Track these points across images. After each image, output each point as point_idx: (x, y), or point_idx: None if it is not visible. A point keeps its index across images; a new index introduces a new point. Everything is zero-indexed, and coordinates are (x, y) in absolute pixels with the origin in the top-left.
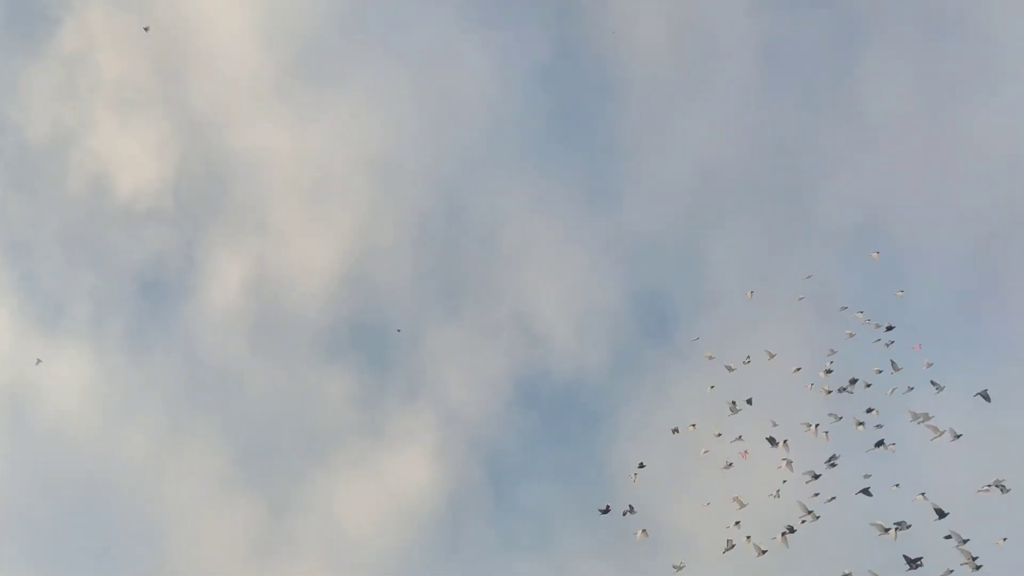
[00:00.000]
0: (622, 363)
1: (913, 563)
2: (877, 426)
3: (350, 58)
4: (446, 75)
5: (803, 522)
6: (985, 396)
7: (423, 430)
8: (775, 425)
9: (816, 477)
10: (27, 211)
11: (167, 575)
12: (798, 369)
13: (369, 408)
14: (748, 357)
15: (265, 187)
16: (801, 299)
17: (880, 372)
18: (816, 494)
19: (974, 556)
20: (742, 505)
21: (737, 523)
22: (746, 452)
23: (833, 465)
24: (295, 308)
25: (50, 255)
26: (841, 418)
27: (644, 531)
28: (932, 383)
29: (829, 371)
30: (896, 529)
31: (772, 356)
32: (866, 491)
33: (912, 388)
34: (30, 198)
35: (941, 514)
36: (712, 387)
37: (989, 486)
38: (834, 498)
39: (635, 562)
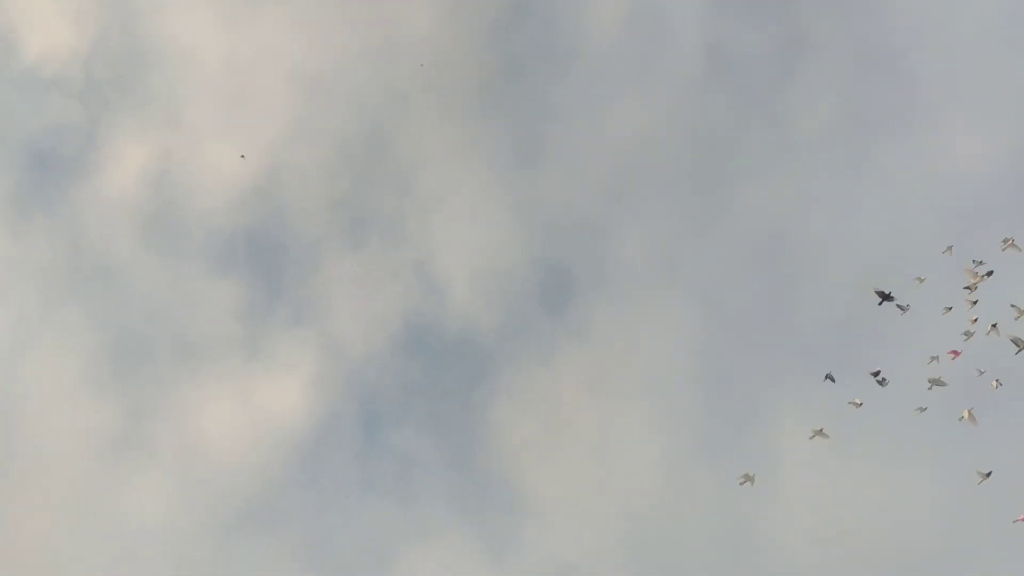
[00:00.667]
0: (513, 327)
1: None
2: None
3: None
4: (394, 6)
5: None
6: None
7: (303, 357)
8: None
9: None
10: None
11: (8, 459)
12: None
13: (252, 325)
14: None
15: (185, 82)
16: None
17: None
18: None
19: None
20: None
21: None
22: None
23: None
24: (194, 210)
25: None
26: None
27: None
28: None
29: None
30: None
31: None
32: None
33: None
34: None
35: None
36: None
37: None
38: None
39: (493, 519)
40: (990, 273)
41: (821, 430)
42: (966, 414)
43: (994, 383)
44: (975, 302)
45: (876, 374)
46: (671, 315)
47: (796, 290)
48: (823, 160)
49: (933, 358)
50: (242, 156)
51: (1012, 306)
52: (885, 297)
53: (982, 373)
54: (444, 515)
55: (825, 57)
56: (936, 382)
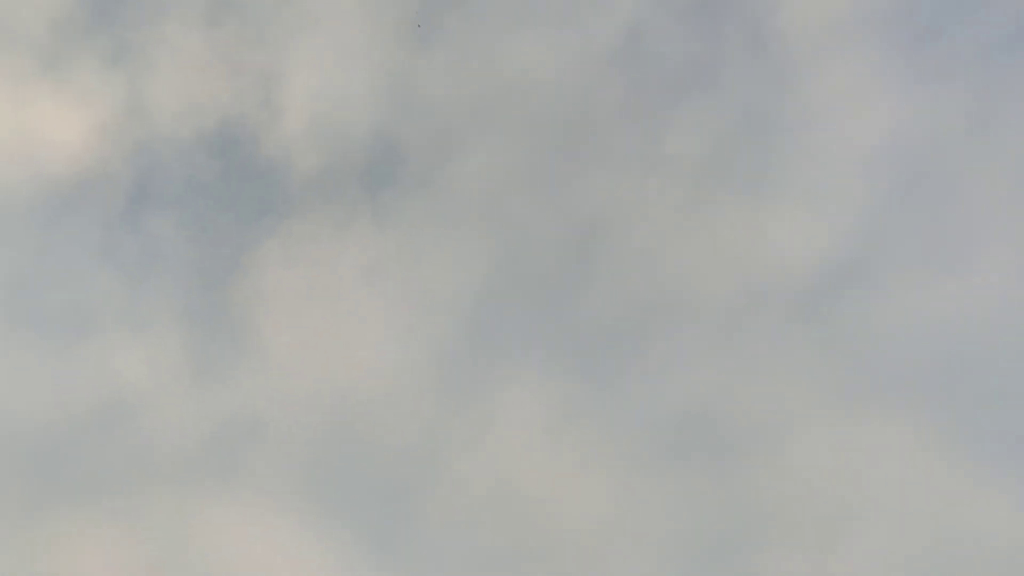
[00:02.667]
0: (326, 185)
1: None
2: None
3: None
4: None
5: None
6: None
7: (103, 98)
8: None
9: None
10: None
11: None
12: None
13: (63, 37)
14: None
15: None
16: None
17: None
18: None
19: None
20: None
21: None
22: None
23: None
24: None
25: None
26: None
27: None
28: None
29: None
30: None
31: None
32: None
33: None
34: None
35: None
36: None
37: None
38: None
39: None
40: None
41: None
42: None
43: None
44: None
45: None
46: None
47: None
48: (703, 179)
49: None
50: None
51: None
52: None
53: None
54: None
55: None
56: None
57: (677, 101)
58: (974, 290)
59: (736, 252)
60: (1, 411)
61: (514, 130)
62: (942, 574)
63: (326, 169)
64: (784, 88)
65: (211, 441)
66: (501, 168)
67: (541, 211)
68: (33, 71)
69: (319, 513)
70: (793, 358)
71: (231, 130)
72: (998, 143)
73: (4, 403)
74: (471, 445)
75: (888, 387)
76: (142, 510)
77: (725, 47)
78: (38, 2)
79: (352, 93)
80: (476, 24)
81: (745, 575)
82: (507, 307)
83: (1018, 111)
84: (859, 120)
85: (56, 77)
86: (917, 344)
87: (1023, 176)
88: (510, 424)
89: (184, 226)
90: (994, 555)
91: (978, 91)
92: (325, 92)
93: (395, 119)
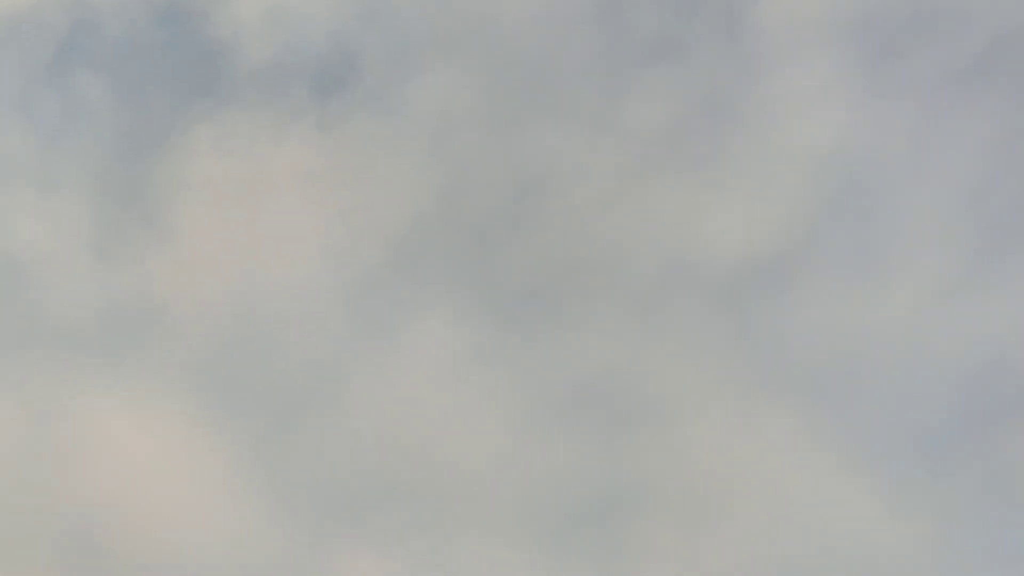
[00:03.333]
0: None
1: None
2: None
3: None
4: None
5: None
6: None
7: None
8: None
9: None
10: None
11: None
12: None
13: None
14: None
15: None
16: None
17: None
18: None
19: None
20: None
21: None
22: None
23: None
24: None
25: None
26: None
27: None
28: None
29: None
30: None
31: None
32: None
33: None
34: None
35: None
36: None
37: None
38: None
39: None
40: None
41: None
42: None
43: None
44: None
45: None
46: None
47: None
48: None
49: None
50: None
51: None
52: None
53: None
54: None
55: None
56: None
57: (642, 72)
58: (888, 304)
59: (670, 229)
60: None
61: (477, 67)
62: (804, 567)
63: (276, 63)
64: (748, 78)
65: (106, 319)
66: (457, 102)
67: (488, 153)
68: None
69: (208, 413)
70: (703, 342)
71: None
72: (935, 168)
73: None
74: (374, 371)
75: (788, 384)
76: (19, 377)
77: (699, 27)
78: None
79: None
80: None
81: (617, 540)
82: (437, 241)
83: (960, 142)
84: (812, 123)
85: None
86: (825, 348)
87: (952, 204)
88: (418, 357)
89: (113, 92)
90: (856, 557)
91: (926, 115)
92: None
93: (359, 28)
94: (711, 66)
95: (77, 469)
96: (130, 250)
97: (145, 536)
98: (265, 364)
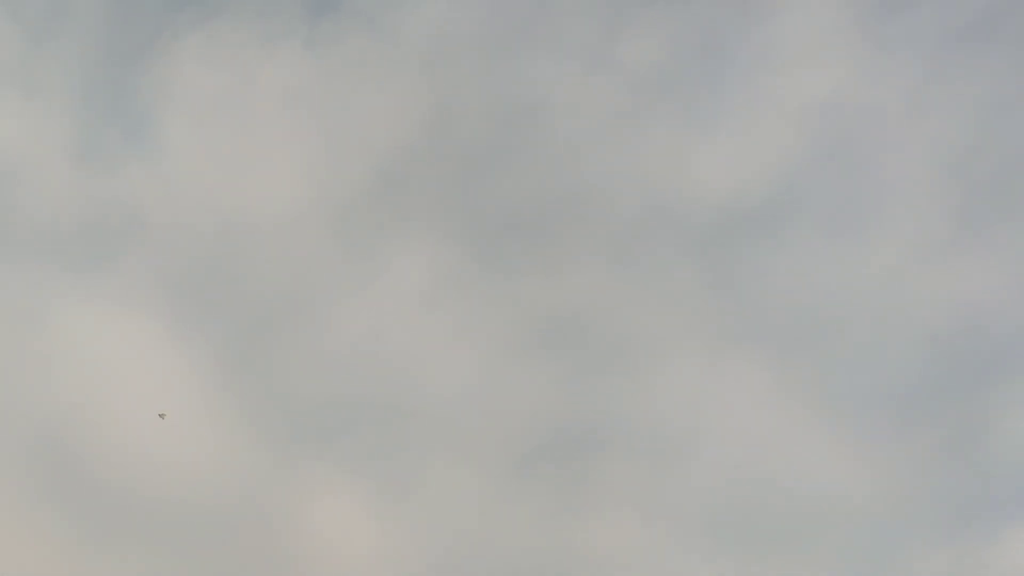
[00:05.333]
0: None
1: None
2: None
3: None
4: None
5: None
6: None
7: None
8: None
9: None
10: None
11: None
12: None
13: None
14: None
15: None
16: None
17: None
18: None
19: None
20: None
21: None
22: None
23: None
24: None
25: None
26: None
27: None
28: None
29: None
30: None
31: None
32: None
33: None
34: None
35: None
36: None
37: None
38: None
39: None
40: None
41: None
42: None
43: None
44: None
45: None
46: None
47: None
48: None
49: None
50: None
51: None
52: None
53: None
54: None
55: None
56: None
57: (640, 9)
58: (869, 262)
59: (656, 171)
60: None
61: None
62: (766, 513)
63: None
64: (748, 21)
65: (87, 225)
66: (450, 29)
67: (479, 82)
68: None
69: (184, 328)
70: (682, 287)
71: None
72: (928, 128)
73: None
74: (352, 294)
75: (763, 334)
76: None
77: None
78: None
79: None
80: None
81: (581, 475)
82: (422, 168)
83: (956, 102)
84: (809, 72)
85: None
86: (802, 301)
87: (942, 166)
88: (396, 283)
89: None
90: (809, 502)
91: (924, 73)
92: None
93: None
94: (710, 8)
95: (51, 377)
96: (112, 157)
97: (115, 446)
98: (243, 282)
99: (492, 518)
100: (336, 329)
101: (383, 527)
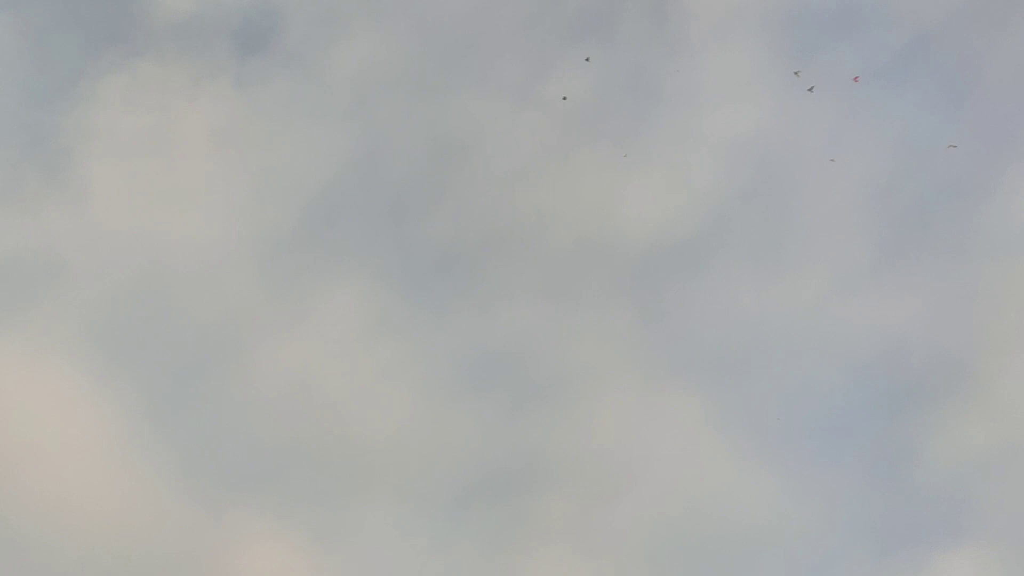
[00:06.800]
0: None
1: None
2: None
3: None
4: None
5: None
6: None
7: None
8: None
9: None
10: None
11: None
12: None
13: None
14: None
15: None
16: None
17: None
18: None
19: None
20: None
21: None
22: None
23: None
24: None
25: None
26: None
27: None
28: None
29: None
30: None
31: None
32: None
33: None
34: None
35: None
36: None
37: None
38: None
39: None
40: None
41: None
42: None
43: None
44: None
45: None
46: None
47: None
48: None
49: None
50: None
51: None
52: None
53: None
54: None
55: None
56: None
57: (570, 45)
58: (794, 294)
59: (587, 206)
60: None
61: (402, 33)
62: (700, 545)
63: (196, 16)
64: (674, 62)
65: (3, 270)
66: (379, 68)
67: (409, 121)
68: None
69: (106, 372)
70: (614, 321)
71: None
72: (852, 162)
73: None
74: (280, 335)
75: (694, 367)
76: None
77: (629, 6)
78: None
79: None
80: None
81: (518, 513)
82: (351, 207)
83: (873, 140)
84: (735, 109)
85: None
86: (731, 333)
87: (862, 200)
88: (326, 323)
89: (21, 33)
90: (743, 532)
91: (843, 112)
92: None
93: None
94: (638, 46)
95: None
96: (31, 200)
97: (36, 495)
98: (168, 325)
99: (431, 558)
100: (265, 371)
101: (319, 573)
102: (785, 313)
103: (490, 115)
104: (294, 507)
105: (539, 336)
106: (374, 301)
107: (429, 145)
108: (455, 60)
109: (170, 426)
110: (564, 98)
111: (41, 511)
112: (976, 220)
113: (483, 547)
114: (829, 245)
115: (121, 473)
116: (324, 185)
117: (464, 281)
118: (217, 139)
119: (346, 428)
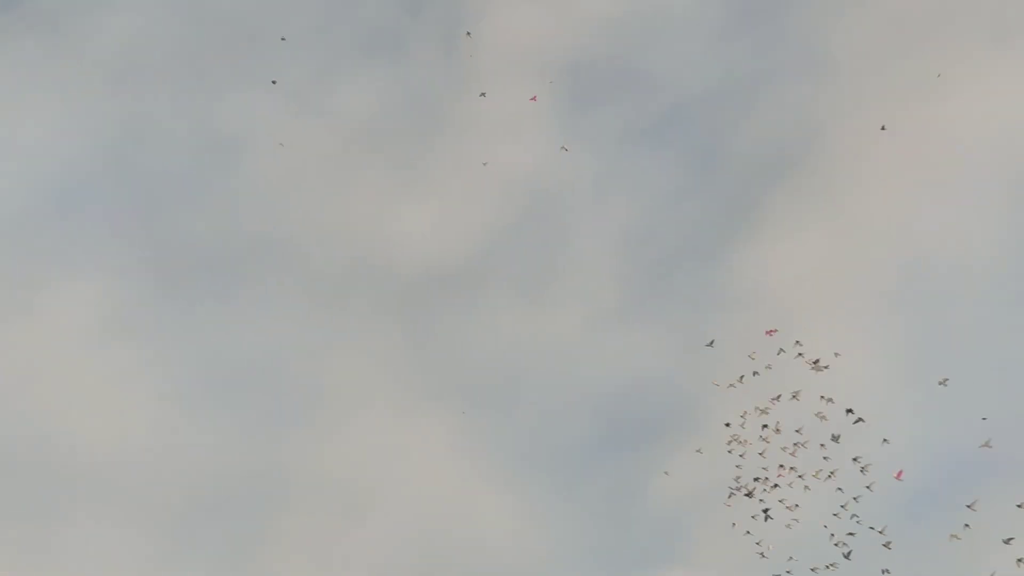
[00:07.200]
0: None
1: None
2: None
3: None
4: None
5: None
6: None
7: None
8: None
9: None
10: None
11: None
12: None
13: None
14: None
15: None
16: None
17: None
18: None
19: None
20: None
21: None
22: None
23: None
24: None
25: None
26: None
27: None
28: None
29: None
30: None
31: None
32: None
33: None
34: None
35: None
36: None
37: None
38: None
39: None
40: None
41: None
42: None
43: None
44: None
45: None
46: None
47: None
48: None
49: None
50: None
51: None
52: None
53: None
54: None
55: None
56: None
57: (357, 56)
58: (548, 328)
59: (361, 224)
60: None
61: (180, 10)
62: (439, 565)
63: None
64: (461, 90)
65: None
66: (147, 46)
67: (174, 107)
68: None
69: None
70: (377, 341)
71: None
72: (610, 211)
73: None
74: (3, 336)
75: (451, 391)
76: None
77: (422, 29)
78: None
79: None
80: None
81: (255, 532)
82: (97, 194)
83: (632, 190)
84: (513, 147)
85: None
86: (486, 360)
87: (618, 244)
88: (57, 323)
89: None
90: (486, 557)
91: (610, 162)
92: None
93: None
94: (428, 70)
95: None
96: None
97: None
98: None
99: None
100: None
101: None
102: (539, 346)
103: (266, 116)
104: None
105: (295, 350)
106: (115, 297)
107: (195, 139)
108: (235, 53)
109: None
110: (564, 148)
111: None
112: (709, 276)
113: (216, 568)
114: (584, 285)
115: None
116: (71, 164)
117: (219, 287)
118: None
119: (67, 437)
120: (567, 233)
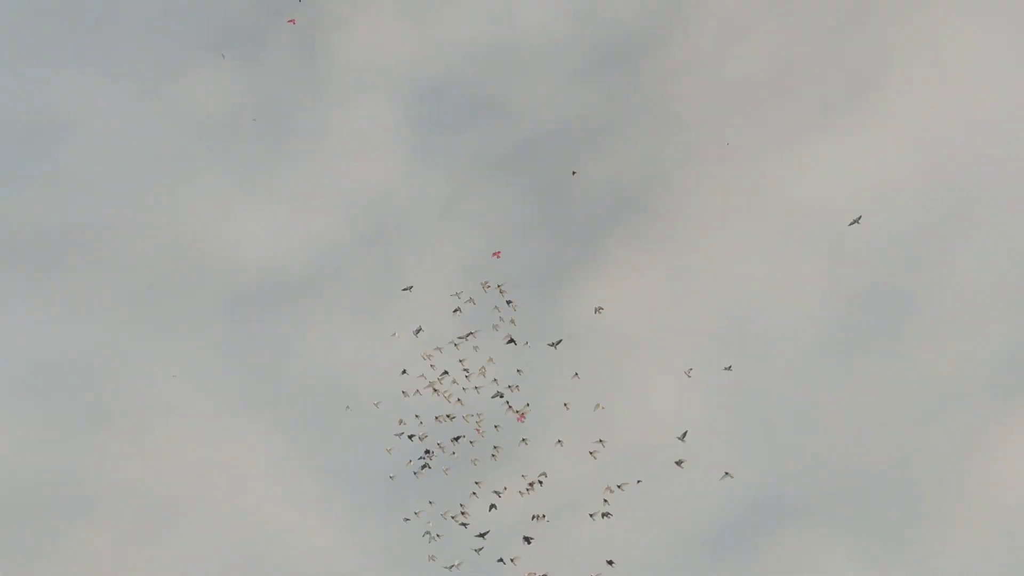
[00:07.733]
0: None
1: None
2: None
3: None
4: None
5: None
6: None
7: None
8: None
9: None
10: None
11: None
12: None
13: None
14: None
15: None
16: None
17: None
18: None
19: None
20: None
21: None
22: None
23: None
24: None
25: None
26: None
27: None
28: None
29: None
30: None
31: None
32: None
33: None
34: None
35: None
36: None
37: None
38: None
39: None
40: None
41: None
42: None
43: None
44: None
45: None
46: None
47: None
48: None
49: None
50: None
51: None
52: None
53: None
54: None
55: None
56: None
57: (209, 49)
58: (383, 347)
59: (196, 223)
60: None
61: None
62: (252, 566)
63: None
64: (317, 99)
65: None
66: None
67: (2, 85)
68: None
69: None
70: (202, 343)
71: None
72: (455, 233)
73: None
74: None
75: (277, 405)
76: None
77: (277, 34)
78: None
79: None
80: None
81: (43, 544)
82: None
83: (477, 217)
84: (362, 164)
85: None
86: (317, 374)
87: (459, 268)
88: None
89: None
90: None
91: (457, 187)
92: None
93: None
94: (282, 74)
95: None
96: None
97: None
98: None
99: None
100: None
101: None
102: (373, 364)
103: (102, 101)
104: None
105: (103, 349)
106: None
107: (20, 118)
108: (69, 32)
109: None
110: (573, 172)
111: None
112: (555, 307)
113: None
114: (421, 306)
115: None
116: None
117: (24, 277)
118: None
119: None
120: (408, 254)
